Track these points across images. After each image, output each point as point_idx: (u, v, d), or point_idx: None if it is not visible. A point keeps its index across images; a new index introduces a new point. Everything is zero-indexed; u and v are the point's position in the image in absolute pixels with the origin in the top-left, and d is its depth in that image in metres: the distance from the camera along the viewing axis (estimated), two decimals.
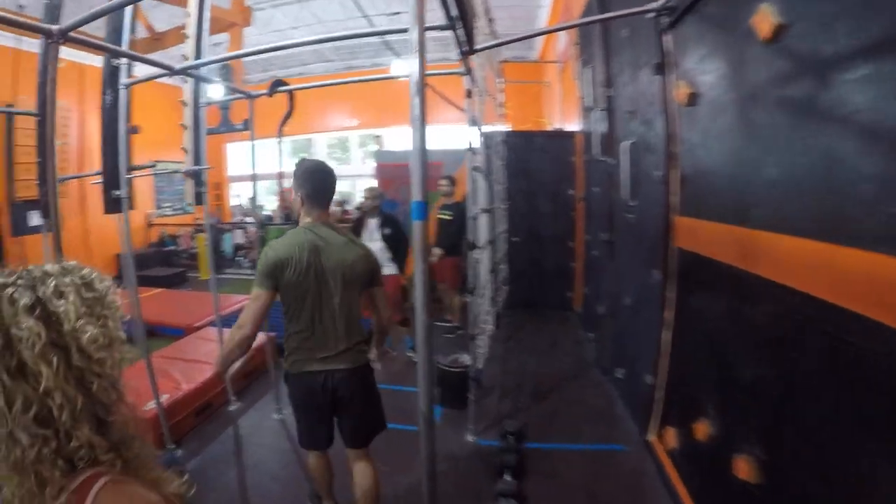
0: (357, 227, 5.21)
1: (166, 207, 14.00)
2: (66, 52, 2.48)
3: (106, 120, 3.82)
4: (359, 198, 11.77)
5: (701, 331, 2.79)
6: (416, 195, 1.61)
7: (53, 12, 3.60)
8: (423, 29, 1.53)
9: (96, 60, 4.94)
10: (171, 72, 3.49)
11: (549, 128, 9.25)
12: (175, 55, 8.68)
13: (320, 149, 15.19)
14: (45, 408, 0.79)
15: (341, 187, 14.19)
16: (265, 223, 12.23)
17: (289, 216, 12.71)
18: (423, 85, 1.54)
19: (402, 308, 5.24)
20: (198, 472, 3.55)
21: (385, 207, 5.40)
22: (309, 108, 14.00)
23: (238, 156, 15.96)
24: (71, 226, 11.11)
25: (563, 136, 7.14)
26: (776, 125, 1.99)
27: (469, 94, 3.65)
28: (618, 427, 3.94)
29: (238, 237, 13.11)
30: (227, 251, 12.88)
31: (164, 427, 3.64)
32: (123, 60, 3.63)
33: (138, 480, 0.89)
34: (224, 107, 7.25)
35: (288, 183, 14.41)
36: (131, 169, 4.06)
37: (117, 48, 3.49)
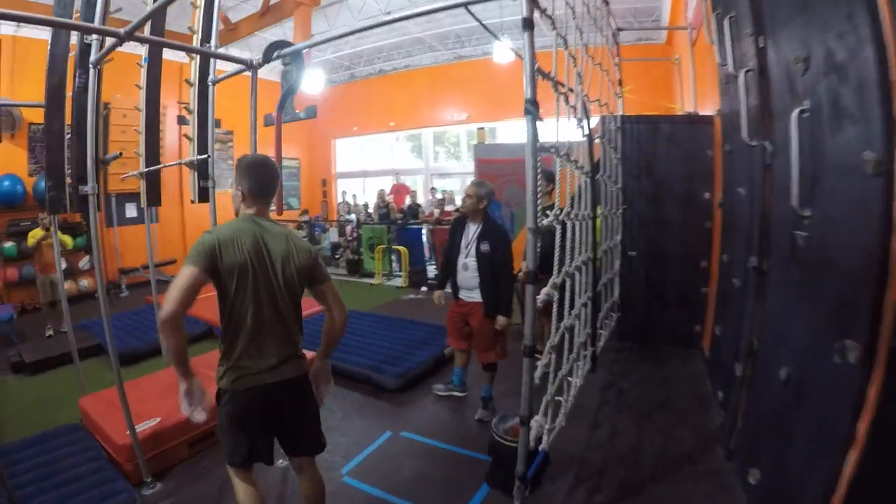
0: (453, 231, 4.14)
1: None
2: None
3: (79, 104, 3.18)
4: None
5: None
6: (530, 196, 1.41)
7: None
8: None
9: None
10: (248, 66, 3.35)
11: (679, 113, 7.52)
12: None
13: (429, 143, 14.31)
14: None
15: (449, 185, 13.57)
16: (363, 221, 11.59)
17: (387, 214, 12.00)
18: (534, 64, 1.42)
19: (496, 350, 4.05)
20: None
21: (492, 210, 4.19)
22: (419, 102, 13.25)
23: (347, 152, 15.66)
24: (169, 215, 11.14)
25: (696, 122, 5.42)
26: None
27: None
28: None
29: (334, 236, 12.57)
30: (326, 250, 12.39)
31: (140, 457, 3.29)
32: (94, 37, 3.14)
33: None
34: (287, 94, 6.44)
35: (398, 179, 14.10)
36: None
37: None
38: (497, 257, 3.87)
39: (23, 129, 8.84)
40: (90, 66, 2.88)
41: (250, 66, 3.32)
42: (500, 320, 3.88)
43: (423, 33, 11.98)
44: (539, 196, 2.55)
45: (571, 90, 3.05)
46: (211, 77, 3.60)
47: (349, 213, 13.03)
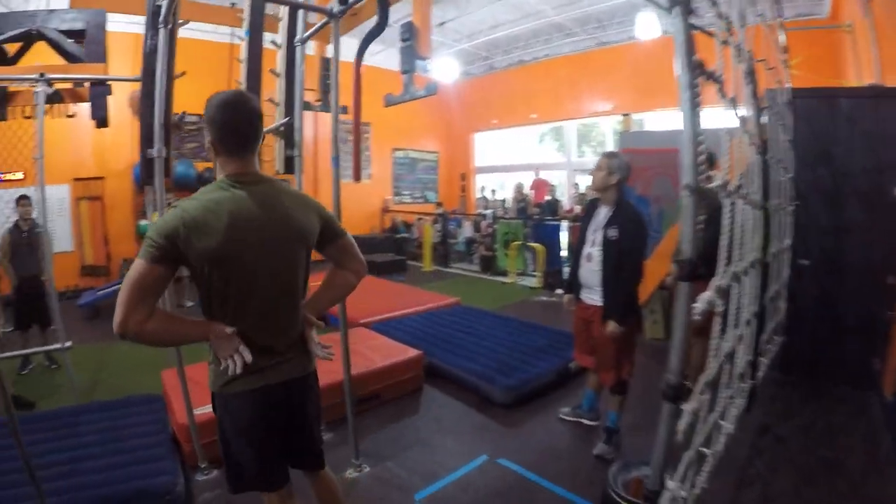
0: (583, 218, 3.58)
1: (405, 195, 14.22)
2: None
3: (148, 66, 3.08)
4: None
5: None
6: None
7: None
8: None
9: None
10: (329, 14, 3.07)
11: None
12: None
13: (571, 137, 13.57)
14: None
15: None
16: (498, 216, 11.25)
17: (524, 208, 11.54)
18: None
19: (621, 368, 3.35)
20: None
21: (626, 195, 3.48)
22: (560, 92, 12.61)
23: (487, 146, 15.42)
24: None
25: (883, 97, 4.27)
26: None
27: None
28: None
29: (469, 230, 12.38)
30: (460, 245, 12.24)
31: (196, 441, 3.22)
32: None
33: None
34: (405, 71, 6.25)
35: (538, 175, 13.52)
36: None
37: None
38: (624, 245, 3.17)
39: None
40: (160, 26, 2.78)
41: (331, 14, 3.06)
42: (610, 325, 3.21)
43: (560, 17, 11.31)
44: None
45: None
46: (298, 37, 3.39)
47: (486, 208, 12.75)
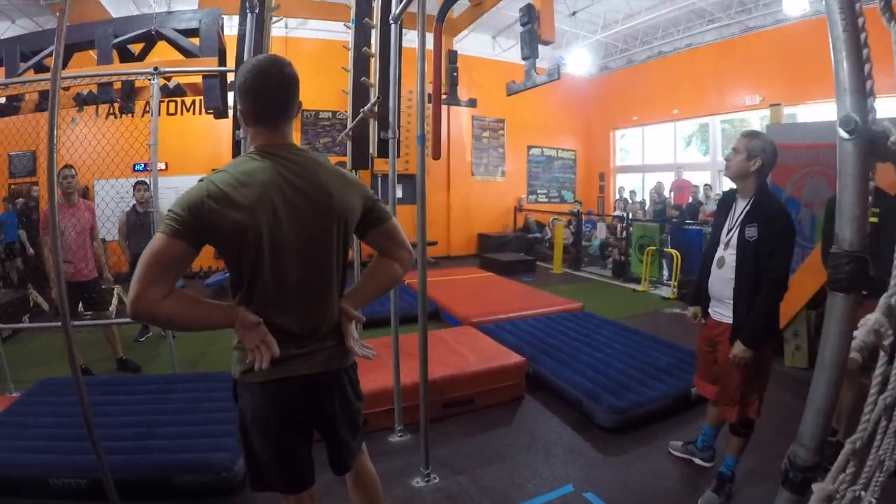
0: (717, 213, 2.97)
1: (540, 194, 13.86)
2: None
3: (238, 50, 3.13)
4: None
5: None
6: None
7: None
8: None
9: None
10: None
11: None
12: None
13: (716, 133, 12.30)
14: None
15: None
16: (634, 218, 10.47)
17: (662, 210, 10.65)
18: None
19: (747, 403, 2.71)
20: None
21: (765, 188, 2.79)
22: (704, 85, 11.55)
23: (626, 144, 14.56)
24: (434, 200, 11.69)
25: None
26: None
27: None
28: None
29: (603, 232, 11.69)
30: (594, 247, 11.61)
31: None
32: None
33: None
34: (526, 57, 5.91)
35: (679, 175, 12.44)
36: None
37: None
38: (764, 249, 2.54)
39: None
40: (247, 10, 2.76)
41: None
42: (737, 348, 2.60)
43: (701, 1, 10.31)
44: None
45: None
46: (393, 14, 3.25)
47: (624, 210, 11.97)
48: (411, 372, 3.46)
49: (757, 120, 11.55)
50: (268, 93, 1.60)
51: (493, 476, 3.08)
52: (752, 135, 2.72)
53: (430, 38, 3.27)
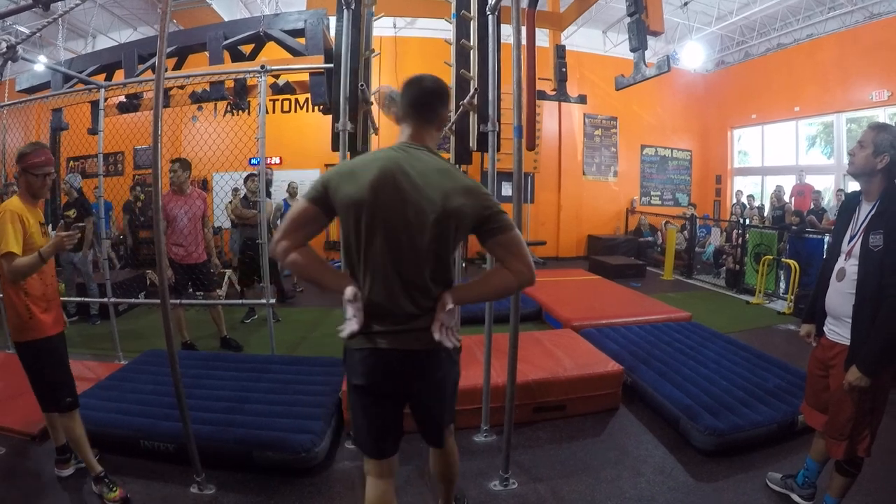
0: (839, 218, 2.69)
1: (654, 195, 13.32)
2: None
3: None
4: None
5: None
6: None
7: None
8: None
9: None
10: None
11: None
12: None
13: (841, 133, 11.12)
14: None
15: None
16: (749, 224, 9.72)
17: (781, 217, 9.80)
18: None
19: (857, 438, 2.40)
20: None
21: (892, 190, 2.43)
22: (827, 79, 10.52)
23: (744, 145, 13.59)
24: (544, 199, 11.48)
25: None
26: None
27: None
28: None
29: (717, 239, 10.97)
30: (708, 254, 10.98)
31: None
32: None
33: None
34: (634, 49, 5.65)
35: (801, 179, 11.42)
36: None
37: None
38: (891, 260, 2.22)
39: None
40: (343, 6, 2.83)
41: None
42: (852, 374, 2.29)
43: None
44: None
45: None
46: (490, 4, 3.18)
47: (742, 216, 11.14)
48: (503, 371, 3.41)
49: (886, 118, 10.36)
50: (410, 100, 1.91)
51: (574, 489, 2.95)
52: (880, 127, 2.39)
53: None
